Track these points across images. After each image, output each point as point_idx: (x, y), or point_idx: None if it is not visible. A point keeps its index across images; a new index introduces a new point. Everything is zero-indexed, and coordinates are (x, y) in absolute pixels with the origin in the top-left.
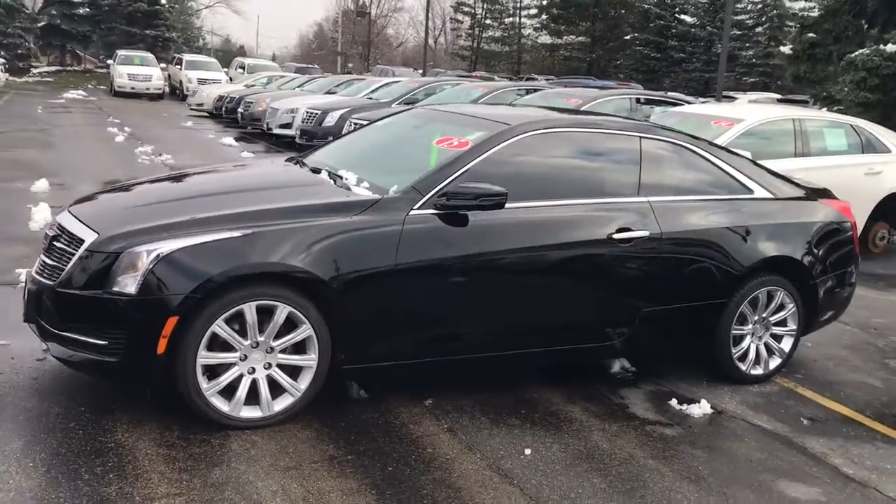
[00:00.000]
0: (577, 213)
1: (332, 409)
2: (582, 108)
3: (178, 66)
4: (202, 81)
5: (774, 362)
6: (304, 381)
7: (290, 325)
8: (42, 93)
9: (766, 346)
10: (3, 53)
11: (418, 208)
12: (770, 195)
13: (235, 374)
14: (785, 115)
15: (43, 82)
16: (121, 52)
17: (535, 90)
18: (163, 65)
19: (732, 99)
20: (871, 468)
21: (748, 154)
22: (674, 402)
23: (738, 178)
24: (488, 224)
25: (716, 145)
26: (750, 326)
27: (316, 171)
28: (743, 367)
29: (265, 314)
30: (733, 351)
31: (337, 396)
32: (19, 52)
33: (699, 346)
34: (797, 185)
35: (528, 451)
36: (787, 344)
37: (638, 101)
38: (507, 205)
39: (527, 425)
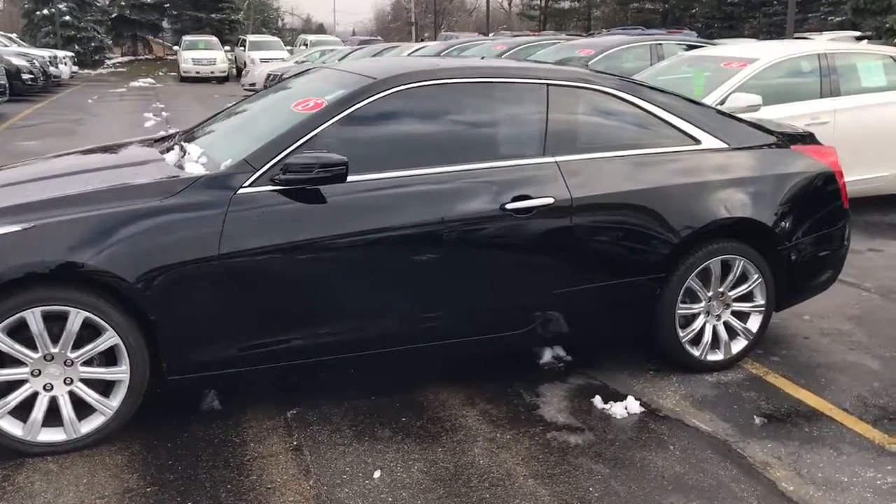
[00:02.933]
0: (462, 182)
1: (171, 425)
2: (593, 59)
3: (243, 48)
4: (265, 61)
5: (738, 345)
6: (117, 398)
7: (95, 332)
8: (110, 83)
9: (728, 326)
10: (76, 47)
11: (250, 185)
12: (723, 145)
13: (28, 392)
14: (809, 50)
15: (116, 73)
16: (186, 38)
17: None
18: (227, 47)
19: (808, 39)
20: (820, 482)
21: (757, 98)
22: (598, 399)
23: (679, 127)
24: (353, 200)
25: (655, 89)
26: (702, 304)
27: (175, 147)
28: (696, 352)
29: (60, 321)
30: (681, 334)
31: (186, 408)
32: (93, 45)
33: (637, 329)
34: (766, 130)
35: (377, 474)
36: (754, 322)
37: (659, 46)
38: (373, 175)
39: (398, 437)
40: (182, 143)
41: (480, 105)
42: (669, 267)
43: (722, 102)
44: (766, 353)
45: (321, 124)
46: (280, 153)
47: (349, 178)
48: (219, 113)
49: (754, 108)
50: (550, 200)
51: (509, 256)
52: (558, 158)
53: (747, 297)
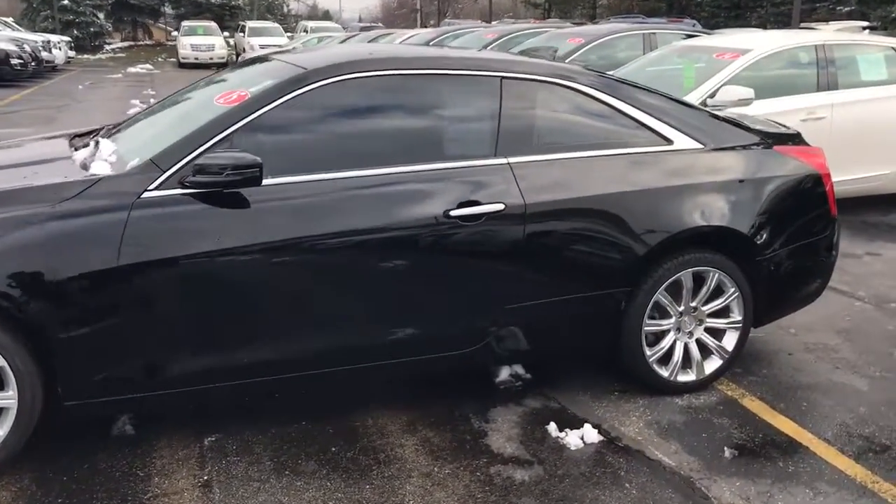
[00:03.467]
0: (403, 186)
1: (73, 455)
2: (584, 49)
3: (242, 34)
4: (264, 47)
5: (712, 364)
6: (3, 426)
7: None
8: (106, 69)
9: (700, 343)
10: (75, 32)
11: (156, 188)
12: (698, 145)
13: None
14: (805, 41)
15: (114, 59)
16: (185, 24)
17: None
18: (227, 33)
19: (813, 30)
20: None
21: (748, 91)
22: (552, 427)
23: (649, 126)
24: (279, 206)
25: (625, 83)
26: (672, 320)
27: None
28: (664, 372)
29: None
30: (648, 353)
31: (96, 434)
32: (92, 30)
33: (600, 347)
34: (748, 129)
35: None
36: (730, 340)
37: (653, 36)
38: (301, 178)
39: (323, 472)
40: (99, 138)
41: (425, 100)
42: (635, 280)
43: (712, 95)
44: (744, 372)
45: (240, 120)
46: (191, 153)
47: (274, 181)
48: (157, 103)
49: (746, 101)
50: (500, 207)
51: (455, 268)
52: (511, 160)
53: (723, 313)
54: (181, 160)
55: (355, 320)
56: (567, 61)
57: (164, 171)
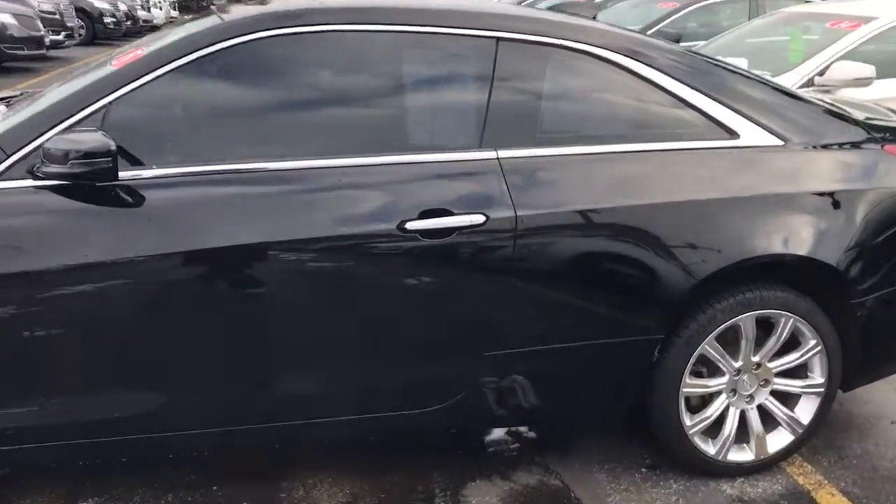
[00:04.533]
0: (343, 184)
1: None
2: (677, 15)
3: None
4: None
5: (780, 440)
6: None
7: None
8: None
9: (763, 411)
10: None
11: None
12: (776, 141)
13: None
14: None
15: None
16: None
17: None
18: None
19: None
20: None
21: (868, 68)
22: None
23: (706, 111)
24: (161, 206)
25: (681, 51)
26: (724, 379)
27: None
28: (710, 449)
29: None
30: (688, 423)
31: None
32: None
33: (618, 412)
34: (851, 120)
35: None
36: (806, 408)
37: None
38: (199, 169)
39: None
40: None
41: (383, 67)
42: (672, 324)
43: (821, 73)
44: (825, 447)
45: (117, 89)
46: (42, 133)
47: (155, 173)
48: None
49: (864, 81)
50: (480, 219)
51: (412, 301)
52: (503, 154)
53: (797, 372)
54: (29, 143)
55: (270, 365)
56: (654, 31)
57: (7, 157)
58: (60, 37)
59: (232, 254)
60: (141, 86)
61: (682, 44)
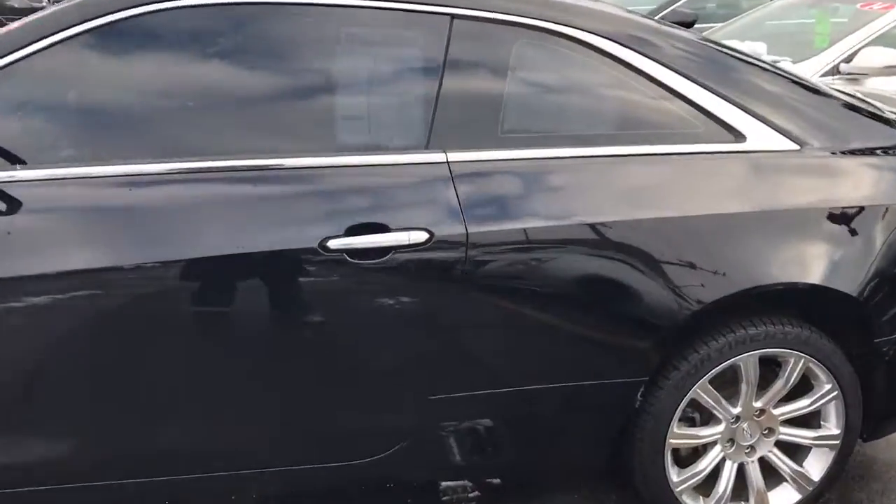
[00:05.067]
0: (251, 192)
1: None
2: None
3: None
4: None
5: (784, 499)
6: None
7: None
8: None
9: (765, 464)
10: None
11: None
12: (791, 145)
13: None
14: None
15: None
16: None
17: None
18: None
19: None
20: None
21: None
22: None
23: (706, 108)
24: (41, 212)
25: (665, 33)
26: (720, 428)
27: None
28: None
29: None
30: (675, 479)
31: None
32: None
33: (593, 465)
34: (882, 120)
35: None
36: (817, 462)
37: None
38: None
39: None
40: None
41: (306, 49)
42: (657, 364)
43: (848, 60)
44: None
45: None
46: None
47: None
48: None
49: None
50: (422, 237)
51: (338, 334)
52: (454, 156)
53: (809, 421)
54: None
55: (158, 408)
56: (669, 12)
57: None
58: None
59: (105, 278)
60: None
61: (696, 26)
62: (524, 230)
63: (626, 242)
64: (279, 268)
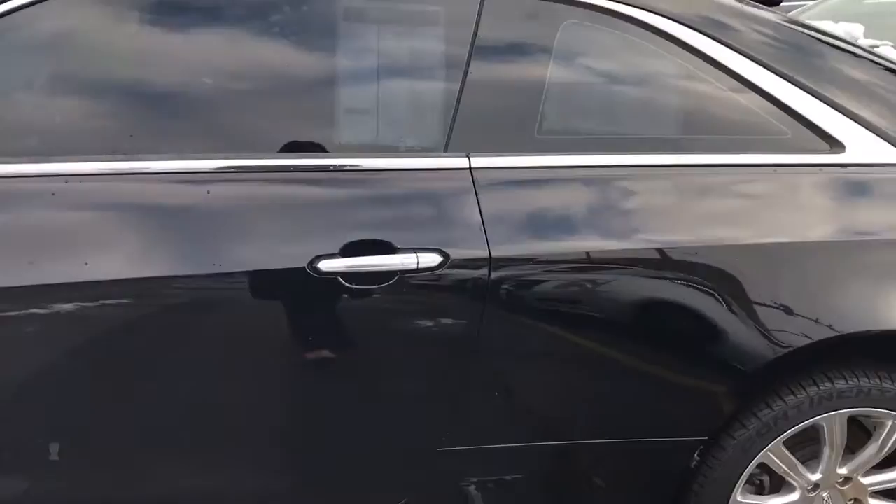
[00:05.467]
0: (224, 200)
1: None
2: None
3: None
4: None
5: None
6: None
7: None
8: None
9: None
10: None
11: None
12: None
13: None
14: None
15: None
16: None
17: None
18: None
19: None
20: None
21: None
22: None
23: (797, 112)
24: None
25: (745, 12)
26: (794, 497)
27: None
28: None
29: None
30: None
31: None
32: None
33: None
34: None
35: None
36: None
37: None
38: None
39: None
40: None
41: (302, 27)
42: (721, 421)
43: None
44: None
45: None
46: None
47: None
48: None
49: None
50: (435, 259)
51: (330, 371)
52: (477, 162)
53: None
54: None
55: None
56: None
57: None
58: None
59: (77, 295)
60: None
61: (783, 5)
62: (563, 255)
63: (691, 273)
64: (257, 292)
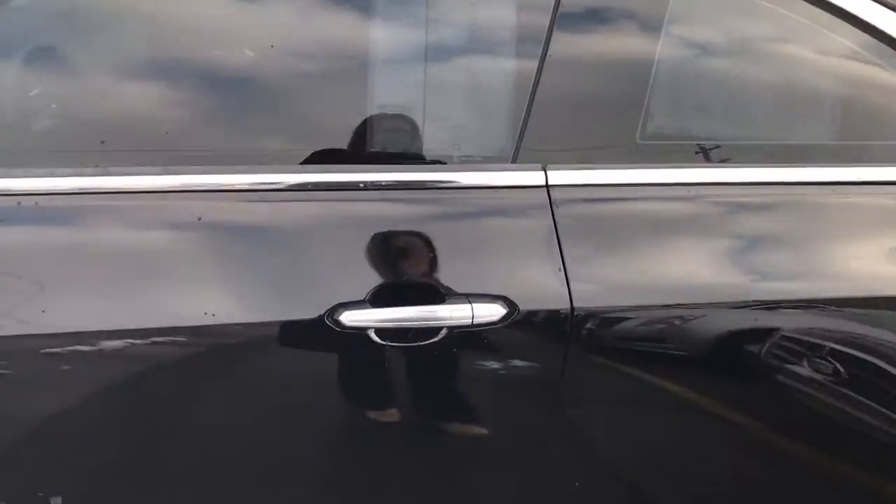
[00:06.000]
0: (217, 222)
1: None
2: None
3: None
4: None
5: None
6: None
7: None
8: None
9: None
10: None
11: None
12: None
13: None
14: None
15: None
16: None
17: None
18: None
19: None
20: None
21: None
22: None
23: None
24: None
25: None
26: None
27: None
28: None
29: None
30: None
31: None
32: None
33: None
34: None
35: None
36: None
37: None
38: None
39: None
40: None
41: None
42: None
43: None
44: None
45: None
46: None
47: None
48: None
49: None
50: (497, 312)
51: (358, 453)
52: (557, 177)
53: None
54: None
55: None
56: None
57: None
58: None
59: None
60: None
61: None
62: (681, 308)
63: (872, 337)
64: (264, 350)
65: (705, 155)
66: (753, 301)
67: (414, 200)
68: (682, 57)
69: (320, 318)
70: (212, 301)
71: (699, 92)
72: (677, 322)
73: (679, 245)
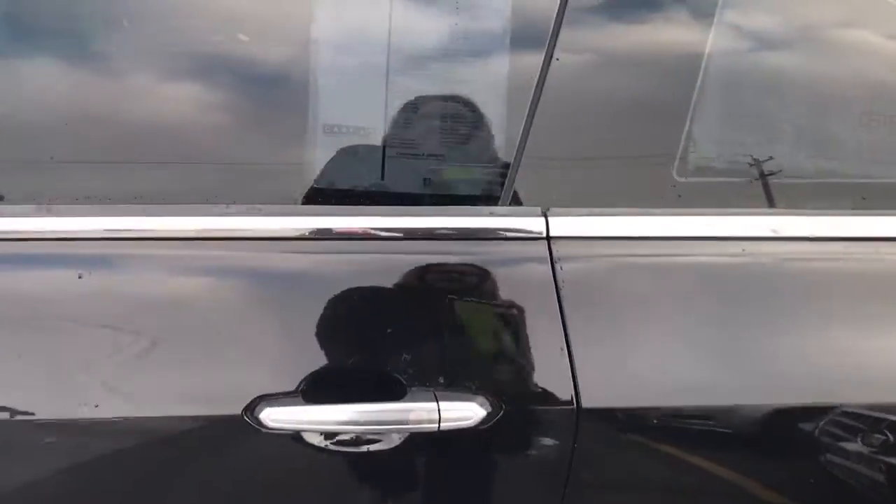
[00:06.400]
0: (104, 290)
1: None
2: None
3: None
4: None
5: None
6: None
7: None
8: None
9: None
10: None
11: None
12: None
13: None
14: None
15: None
16: None
17: None
18: None
19: None
20: None
21: None
22: None
23: None
24: None
25: None
26: None
27: None
28: None
29: None
30: None
31: None
32: None
33: None
34: None
35: None
36: None
37: None
38: None
39: None
40: None
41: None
42: None
43: None
44: None
45: None
46: None
47: None
48: None
49: None
50: (476, 413)
51: None
52: (559, 225)
53: None
54: None
55: None
56: None
57: None
58: None
59: None
60: None
61: None
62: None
63: None
64: (174, 451)
65: (769, 198)
66: (841, 405)
67: (361, 254)
68: (737, 65)
69: (236, 412)
70: (93, 389)
71: (764, 107)
72: (718, 429)
73: (731, 324)
